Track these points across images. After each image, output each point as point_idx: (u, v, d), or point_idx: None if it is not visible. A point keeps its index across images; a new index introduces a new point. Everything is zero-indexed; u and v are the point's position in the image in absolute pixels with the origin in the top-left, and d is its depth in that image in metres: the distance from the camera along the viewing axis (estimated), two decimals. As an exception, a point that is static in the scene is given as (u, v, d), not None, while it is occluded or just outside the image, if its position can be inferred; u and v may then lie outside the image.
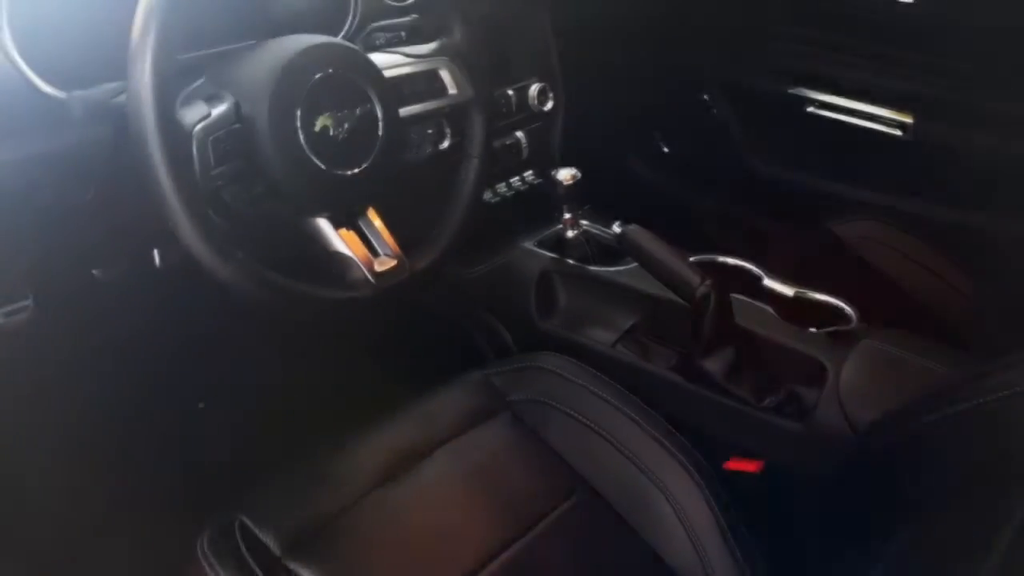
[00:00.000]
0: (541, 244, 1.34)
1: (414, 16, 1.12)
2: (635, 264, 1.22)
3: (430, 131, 1.05)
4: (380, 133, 0.94)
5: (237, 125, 0.86)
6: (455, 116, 1.07)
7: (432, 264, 1.01)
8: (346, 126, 0.91)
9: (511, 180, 1.40)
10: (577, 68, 1.49)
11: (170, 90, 0.81)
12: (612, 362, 1.19)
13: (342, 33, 1.09)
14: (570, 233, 1.30)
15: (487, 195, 1.35)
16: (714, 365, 1.08)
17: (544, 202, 1.44)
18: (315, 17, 1.09)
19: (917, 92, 1.71)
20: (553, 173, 1.26)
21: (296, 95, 0.88)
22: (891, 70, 1.73)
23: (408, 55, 1.02)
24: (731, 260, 1.27)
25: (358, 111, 0.92)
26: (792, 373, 1.09)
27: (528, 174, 1.43)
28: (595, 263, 1.30)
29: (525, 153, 1.39)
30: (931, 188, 1.71)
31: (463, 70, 1.03)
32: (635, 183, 2.15)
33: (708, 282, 1.06)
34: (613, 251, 1.35)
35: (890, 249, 1.65)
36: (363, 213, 0.97)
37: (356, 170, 0.93)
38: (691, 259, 1.27)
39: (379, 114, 0.94)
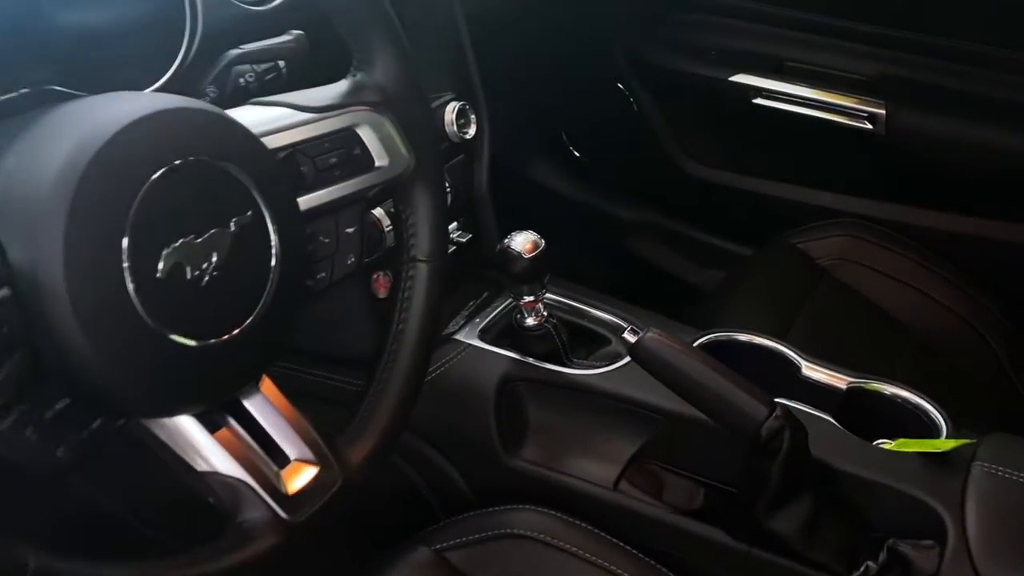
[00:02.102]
0: (486, 335, 0.96)
1: (295, 35, 0.69)
2: (629, 360, 0.86)
3: (350, 229, 0.63)
4: (274, 260, 0.53)
5: (4, 290, 0.43)
6: (388, 200, 0.66)
7: (375, 453, 0.61)
8: (214, 258, 0.50)
9: (432, 241, 1.00)
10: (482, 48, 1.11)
11: None
12: (618, 512, 0.85)
13: (175, 65, 0.65)
14: (531, 320, 0.92)
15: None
16: (786, 524, 0.75)
17: (472, 264, 1.06)
18: (126, 38, 0.65)
19: (889, 75, 1.44)
20: (506, 242, 0.87)
21: (117, 215, 0.46)
22: (855, 49, 1.45)
23: (299, 106, 0.60)
24: (757, 339, 0.95)
25: (232, 226, 0.51)
26: (886, 520, 0.78)
27: (452, 230, 1.04)
28: (571, 360, 0.93)
29: (448, 201, 1.00)
30: (913, 190, 1.46)
31: (396, 125, 0.63)
32: (541, 197, 1.79)
33: (778, 413, 0.72)
34: (590, 335, 0.99)
35: (873, 272, 1.38)
36: (252, 392, 0.56)
37: (237, 330, 0.52)
38: (700, 340, 0.94)
39: (271, 225, 0.53)
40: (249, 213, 0.52)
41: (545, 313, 0.93)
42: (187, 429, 0.52)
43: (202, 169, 0.49)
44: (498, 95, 1.52)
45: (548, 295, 1.00)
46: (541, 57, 1.59)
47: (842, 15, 1.42)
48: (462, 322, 0.98)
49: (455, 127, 1.01)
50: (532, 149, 1.82)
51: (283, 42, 0.68)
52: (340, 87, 0.61)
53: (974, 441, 0.80)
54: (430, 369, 0.90)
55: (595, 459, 0.87)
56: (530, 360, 0.92)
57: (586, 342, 0.99)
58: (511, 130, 1.75)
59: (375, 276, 0.92)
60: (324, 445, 0.57)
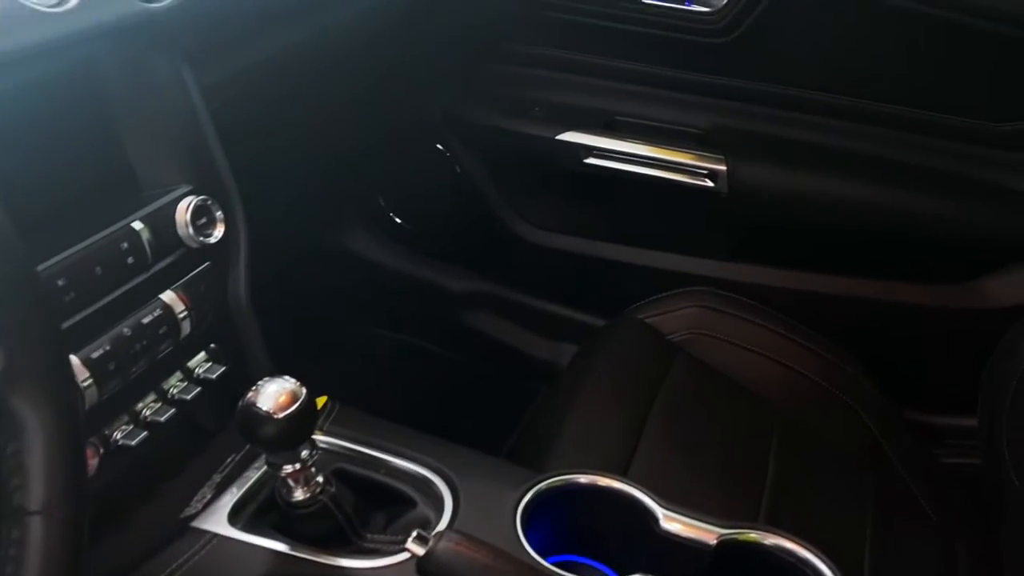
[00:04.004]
0: (239, 516, 0.71)
1: None
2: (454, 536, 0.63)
3: None
4: None
5: None
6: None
7: None
8: None
9: (165, 386, 0.75)
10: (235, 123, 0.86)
11: None
12: None
13: None
14: (300, 493, 0.68)
15: (118, 434, 0.69)
16: None
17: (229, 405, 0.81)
18: None
19: (727, 127, 1.29)
20: (250, 397, 0.63)
21: None
22: (690, 101, 1.30)
23: None
24: (602, 482, 0.75)
25: None
26: None
27: (199, 363, 0.78)
28: (363, 537, 0.70)
29: (186, 329, 0.75)
30: (761, 250, 1.32)
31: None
32: (363, 272, 1.56)
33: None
34: (390, 492, 0.76)
35: (728, 344, 1.23)
36: None
37: None
38: (532, 491, 0.73)
39: None
40: None
41: (320, 480, 0.69)
42: None
43: None
44: (298, 163, 1.29)
45: (327, 439, 0.76)
46: (349, 119, 1.37)
47: (674, 64, 1.27)
48: (209, 496, 0.72)
49: (191, 231, 0.76)
50: (348, 220, 1.59)
51: None
52: None
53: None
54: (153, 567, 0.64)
55: None
56: (301, 553, 0.67)
57: (386, 502, 0.76)
58: (320, 200, 1.53)
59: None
60: None
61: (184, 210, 0.75)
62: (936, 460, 1.31)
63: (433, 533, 0.54)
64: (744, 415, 1.14)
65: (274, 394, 0.63)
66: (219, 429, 0.81)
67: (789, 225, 1.29)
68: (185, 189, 0.77)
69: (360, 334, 1.64)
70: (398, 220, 1.60)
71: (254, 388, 0.64)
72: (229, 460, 0.77)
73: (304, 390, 0.64)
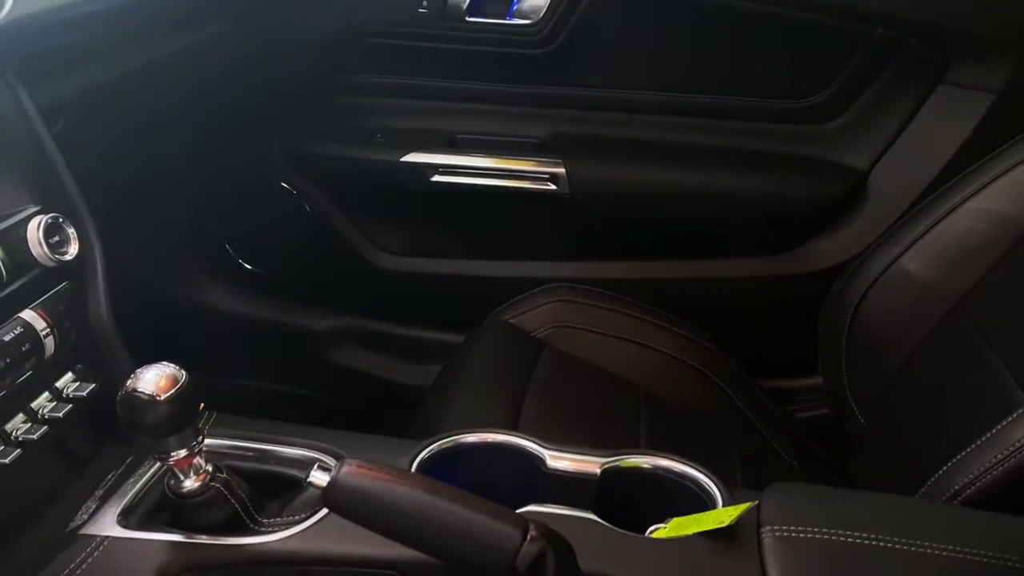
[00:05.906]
0: (130, 517, 0.70)
1: None
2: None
3: None
4: None
5: None
6: None
7: None
8: None
9: (35, 406, 0.72)
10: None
11: None
12: None
13: None
14: (190, 482, 0.67)
15: (-9, 455, 0.67)
16: None
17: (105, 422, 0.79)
18: None
19: (561, 133, 1.38)
20: (130, 385, 0.63)
21: None
22: (524, 113, 1.38)
23: None
24: (489, 437, 0.79)
25: None
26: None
27: (67, 383, 0.76)
28: (260, 522, 0.69)
29: (50, 348, 0.73)
30: (609, 243, 1.40)
31: None
32: (213, 323, 1.53)
33: (533, 533, 0.54)
34: (282, 482, 0.76)
35: (588, 332, 1.29)
36: None
37: None
38: (422, 454, 0.75)
39: None
40: None
41: (209, 468, 0.68)
42: None
43: None
44: (132, 214, 1.26)
45: (212, 441, 0.76)
46: (188, 161, 1.36)
47: (506, 79, 1.35)
48: (94, 507, 0.70)
49: (45, 247, 0.74)
50: (196, 270, 1.56)
51: None
52: None
53: (754, 503, 0.67)
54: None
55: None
56: (199, 539, 0.66)
57: (279, 491, 0.76)
58: (165, 251, 1.50)
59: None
60: None
61: (35, 229, 0.74)
62: (790, 416, 1.41)
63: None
64: (612, 391, 1.20)
65: (154, 379, 0.63)
66: (94, 455, 0.79)
67: (630, 217, 1.38)
68: (33, 209, 0.76)
69: (223, 388, 1.60)
70: (249, 266, 1.59)
71: (132, 376, 0.63)
72: (110, 476, 0.75)
73: (184, 372, 0.64)
